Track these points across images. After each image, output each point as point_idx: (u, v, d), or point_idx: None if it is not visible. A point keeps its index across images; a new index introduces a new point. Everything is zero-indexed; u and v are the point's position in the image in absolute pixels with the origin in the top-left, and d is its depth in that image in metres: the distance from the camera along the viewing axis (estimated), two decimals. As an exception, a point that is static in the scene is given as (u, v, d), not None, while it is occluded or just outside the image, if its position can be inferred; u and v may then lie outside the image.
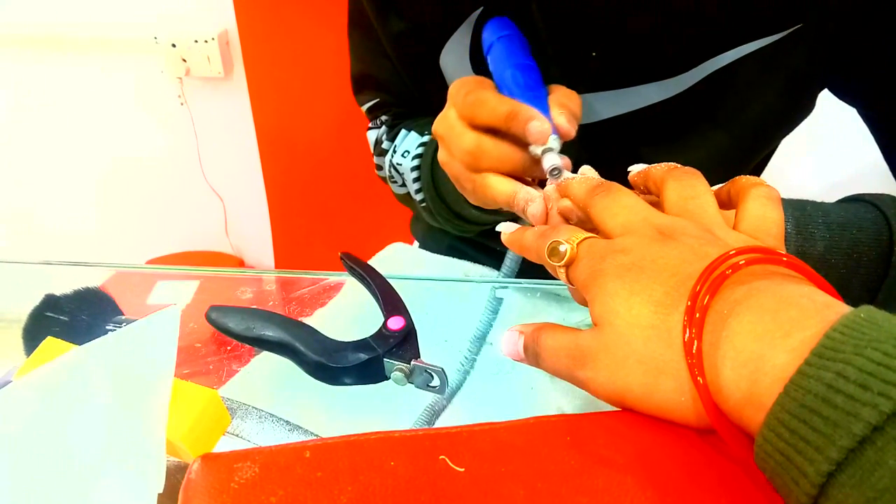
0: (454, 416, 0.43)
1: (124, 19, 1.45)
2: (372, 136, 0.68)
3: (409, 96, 0.65)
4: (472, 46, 0.54)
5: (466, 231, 0.61)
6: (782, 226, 0.31)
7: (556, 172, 0.41)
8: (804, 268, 0.26)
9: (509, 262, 0.56)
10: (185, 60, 1.47)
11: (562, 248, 0.32)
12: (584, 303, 0.33)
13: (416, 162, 0.59)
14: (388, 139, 0.65)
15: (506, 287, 0.53)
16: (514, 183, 0.43)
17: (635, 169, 0.37)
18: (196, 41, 1.44)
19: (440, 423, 0.43)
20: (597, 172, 0.41)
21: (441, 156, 0.47)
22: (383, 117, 0.67)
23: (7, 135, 1.64)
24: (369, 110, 0.69)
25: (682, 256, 0.28)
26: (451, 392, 0.45)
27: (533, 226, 0.40)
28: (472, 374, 0.47)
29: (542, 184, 0.43)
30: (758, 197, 0.31)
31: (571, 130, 0.42)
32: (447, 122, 0.45)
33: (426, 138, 0.60)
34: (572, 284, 0.32)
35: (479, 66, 0.50)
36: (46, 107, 1.59)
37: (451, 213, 0.58)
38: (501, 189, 0.43)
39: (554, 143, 0.41)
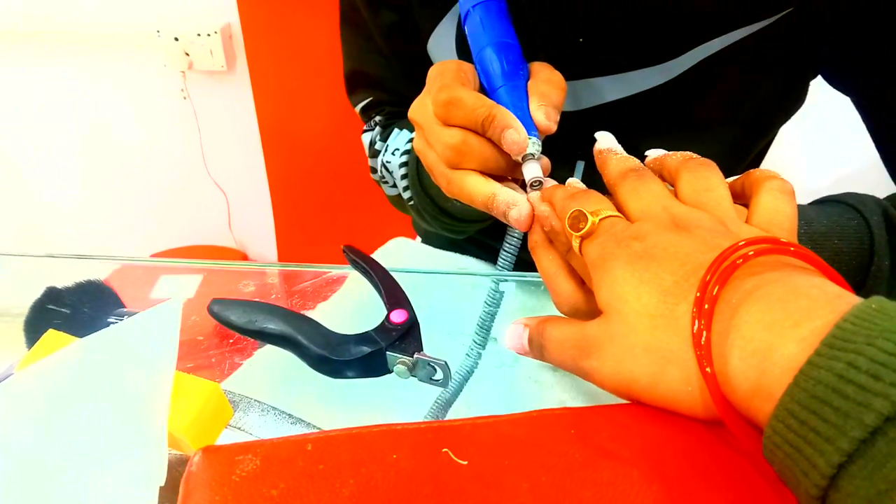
0: (457, 410, 0.43)
1: (127, 13, 1.45)
2: (366, 138, 0.66)
3: (403, 93, 0.64)
4: (459, 33, 0.53)
5: (456, 230, 0.59)
6: (795, 219, 0.31)
7: (537, 185, 0.39)
8: (813, 258, 0.26)
9: (506, 255, 0.55)
10: (187, 54, 1.47)
11: (583, 219, 0.32)
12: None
13: (404, 158, 0.58)
14: (381, 139, 0.63)
15: (505, 280, 0.53)
16: (493, 184, 0.40)
17: (652, 155, 0.37)
18: (199, 35, 1.44)
19: (444, 415, 0.43)
20: (584, 185, 0.39)
21: (417, 143, 0.45)
22: (377, 118, 0.65)
23: (10, 129, 1.64)
24: (363, 110, 0.67)
25: (693, 246, 0.28)
26: (459, 385, 0.44)
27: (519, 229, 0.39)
28: (475, 369, 0.47)
29: (523, 184, 0.41)
30: (771, 190, 0.31)
31: (552, 126, 0.40)
32: (426, 111, 0.43)
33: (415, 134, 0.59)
34: (583, 256, 0.32)
35: (465, 54, 0.49)
36: (49, 101, 1.59)
37: (437, 209, 0.56)
38: (480, 190, 0.40)
39: (534, 147, 0.39)
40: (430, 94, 0.42)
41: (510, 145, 0.39)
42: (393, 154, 0.59)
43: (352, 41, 0.65)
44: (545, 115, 0.40)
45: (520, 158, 0.39)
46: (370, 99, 0.66)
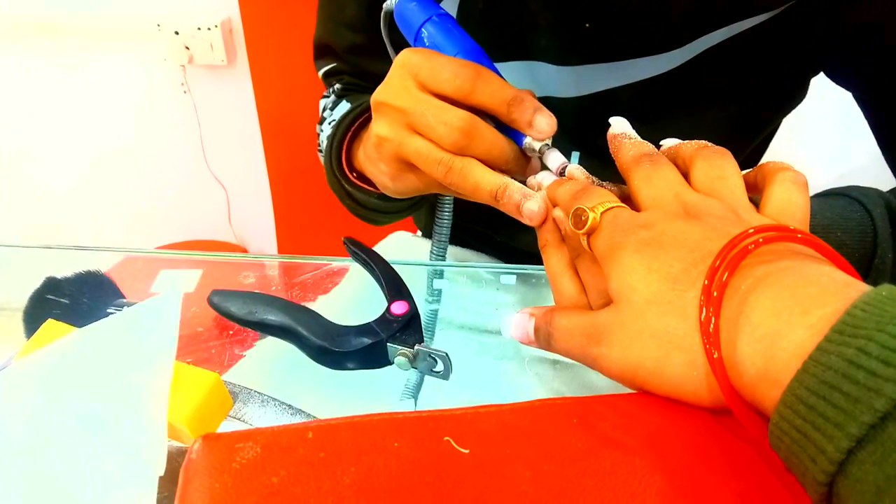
0: (456, 401, 0.43)
1: (127, 7, 1.45)
2: (321, 104, 0.65)
3: (364, 67, 0.63)
4: (460, 14, 0.53)
5: (360, 214, 0.59)
6: (807, 210, 0.30)
7: (563, 171, 0.38)
8: (822, 246, 0.26)
9: (437, 242, 0.54)
10: (188, 48, 1.46)
11: (584, 216, 0.32)
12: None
13: (330, 130, 0.56)
14: (330, 108, 0.62)
15: (505, 273, 0.53)
16: (502, 175, 0.39)
17: (666, 144, 0.36)
18: (199, 29, 1.43)
19: (445, 405, 0.42)
20: (586, 172, 0.38)
21: (389, 130, 0.41)
22: (336, 85, 0.65)
23: (10, 123, 1.64)
24: (325, 75, 0.67)
25: (703, 234, 0.28)
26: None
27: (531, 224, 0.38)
28: (476, 360, 0.47)
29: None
30: (784, 181, 0.31)
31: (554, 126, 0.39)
32: (410, 93, 0.39)
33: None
34: (593, 252, 0.32)
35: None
36: (50, 95, 1.59)
37: (343, 191, 0.55)
38: (489, 179, 0.38)
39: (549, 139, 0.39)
40: (421, 74, 0.39)
41: (541, 129, 0.38)
42: (329, 125, 0.58)
43: (325, 8, 0.64)
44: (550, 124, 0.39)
45: (537, 147, 0.39)
46: (333, 65, 0.66)
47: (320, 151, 0.62)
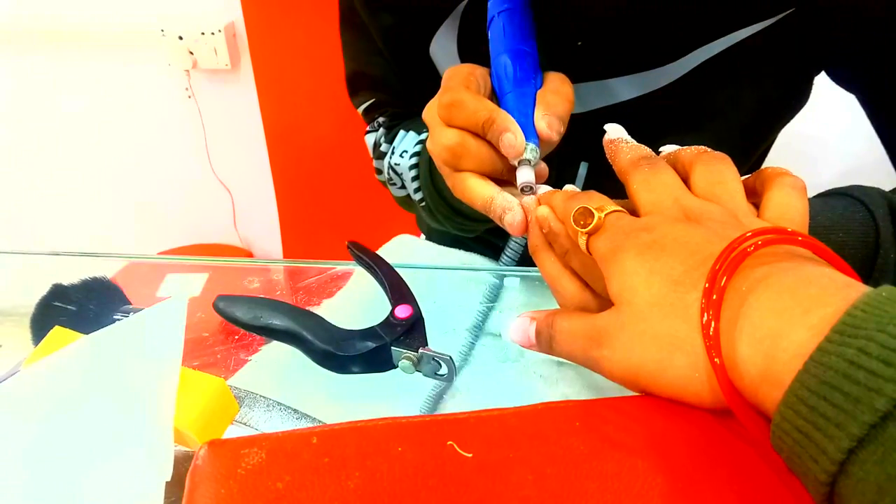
0: (461, 405, 0.43)
1: (131, 12, 1.45)
2: (370, 139, 0.66)
3: (405, 94, 0.64)
4: (460, 37, 0.54)
5: (468, 229, 0.60)
6: (806, 215, 0.31)
7: (527, 189, 0.39)
8: (821, 248, 0.26)
9: (510, 251, 0.55)
10: (191, 53, 1.47)
11: (589, 215, 0.32)
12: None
13: (414, 160, 0.58)
14: (386, 141, 0.64)
15: (506, 275, 0.53)
16: (493, 187, 0.41)
17: (666, 150, 0.37)
18: (203, 33, 1.44)
19: (447, 409, 0.43)
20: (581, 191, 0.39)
21: (428, 144, 0.46)
22: (380, 119, 0.65)
23: (16, 128, 1.65)
24: (366, 111, 0.67)
25: (704, 237, 0.28)
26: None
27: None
28: (479, 363, 0.47)
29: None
30: (783, 186, 0.31)
31: (553, 136, 0.41)
32: (430, 113, 0.44)
33: (424, 136, 0.58)
34: (591, 254, 0.32)
35: (468, 57, 0.48)
36: (54, 100, 1.60)
37: (450, 210, 0.56)
38: (479, 192, 0.41)
39: (531, 154, 0.39)
40: (439, 99, 0.43)
41: (507, 149, 0.39)
42: (401, 156, 0.59)
43: (352, 42, 0.65)
44: (547, 125, 0.40)
45: (515, 163, 0.40)
46: (373, 100, 0.66)
47: (393, 184, 0.63)
